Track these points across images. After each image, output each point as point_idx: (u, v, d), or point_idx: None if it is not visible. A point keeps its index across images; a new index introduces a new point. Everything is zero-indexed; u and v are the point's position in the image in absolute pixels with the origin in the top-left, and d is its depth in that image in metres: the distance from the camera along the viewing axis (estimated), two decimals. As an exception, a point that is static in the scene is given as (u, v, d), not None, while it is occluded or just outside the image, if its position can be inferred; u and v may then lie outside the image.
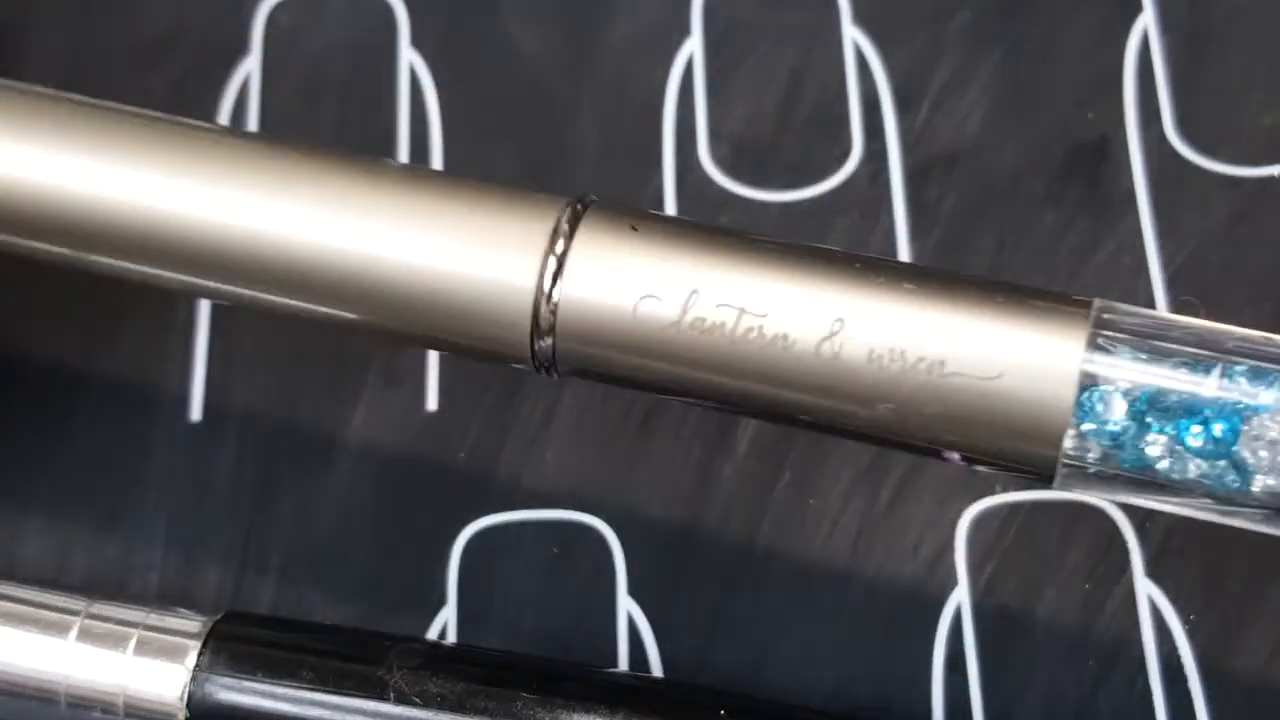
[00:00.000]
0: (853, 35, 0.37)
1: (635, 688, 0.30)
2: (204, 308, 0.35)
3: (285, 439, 0.34)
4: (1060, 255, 0.35)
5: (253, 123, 0.37)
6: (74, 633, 0.29)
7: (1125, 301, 0.34)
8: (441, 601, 0.32)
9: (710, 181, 0.36)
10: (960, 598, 0.32)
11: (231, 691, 0.29)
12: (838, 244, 0.35)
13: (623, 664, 0.32)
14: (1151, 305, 0.34)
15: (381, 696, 0.29)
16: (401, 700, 0.28)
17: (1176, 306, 0.34)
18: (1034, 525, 0.32)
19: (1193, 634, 0.31)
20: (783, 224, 0.36)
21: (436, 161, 0.37)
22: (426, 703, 0.28)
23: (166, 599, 0.32)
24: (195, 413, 0.34)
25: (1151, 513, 0.32)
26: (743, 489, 0.33)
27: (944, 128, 0.36)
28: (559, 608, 0.32)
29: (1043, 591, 0.32)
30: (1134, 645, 0.31)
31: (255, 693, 0.29)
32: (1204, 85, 0.37)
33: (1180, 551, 0.32)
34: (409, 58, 0.38)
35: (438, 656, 0.29)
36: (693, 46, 0.38)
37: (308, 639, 0.30)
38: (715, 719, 0.28)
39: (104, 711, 0.29)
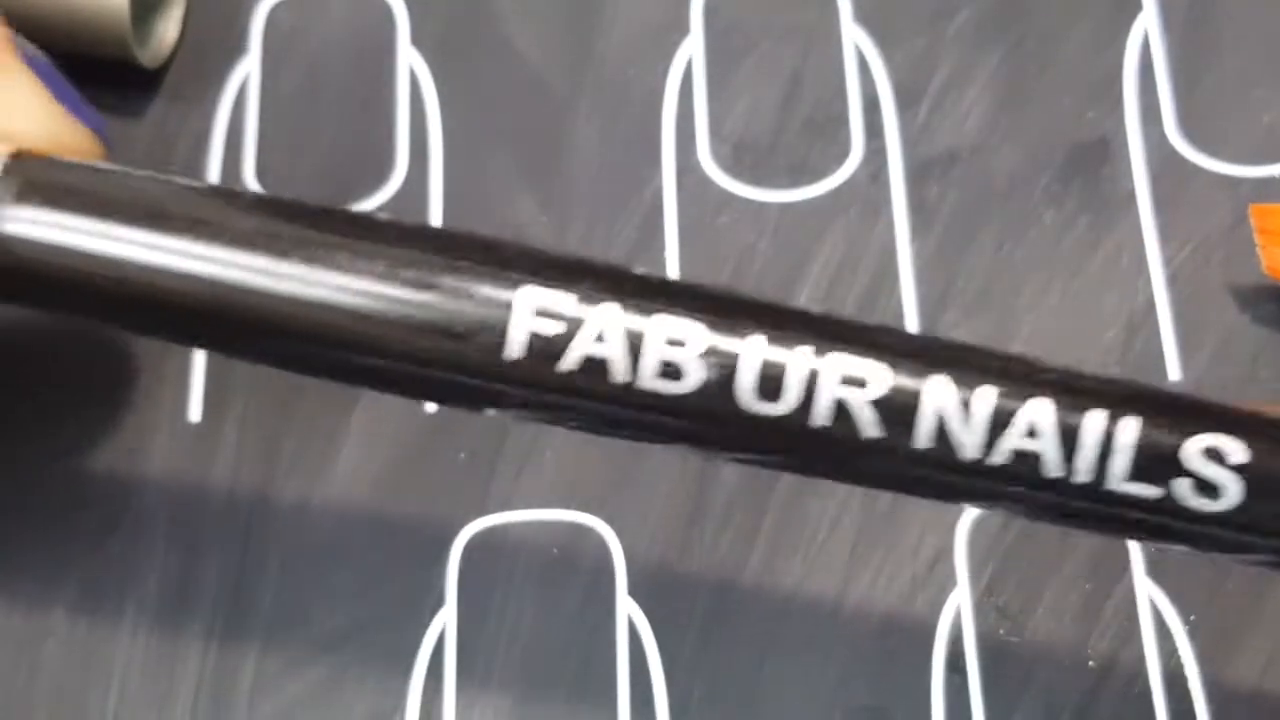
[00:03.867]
0: (853, 35, 0.37)
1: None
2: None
3: (285, 439, 0.34)
4: (1060, 254, 0.35)
5: (252, 122, 0.37)
6: None
7: (1124, 301, 0.34)
8: (441, 601, 0.32)
9: (710, 181, 0.36)
10: (960, 598, 0.32)
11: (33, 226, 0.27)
12: (837, 244, 0.35)
13: (622, 664, 0.32)
14: (1151, 305, 0.34)
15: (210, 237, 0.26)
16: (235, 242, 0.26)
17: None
18: (1034, 526, 0.32)
19: (1193, 634, 0.31)
20: (783, 224, 0.36)
21: (437, 162, 0.37)
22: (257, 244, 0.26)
23: (165, 600, 0.32)
24: (194, 413, 0.34)
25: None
26: (743, 489, 0.33)
27: (944, 127, 0.36)
28: (559, 608, 0.32)
29: (1043, 592, 0.32)
30: (1134, 646, 0.31)
31: (64, 228, 0.27)
32: (1204, 85, 0.37)
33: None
34: (408, 57, 0.38)
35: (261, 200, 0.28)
36: (693, 46, 0.38)
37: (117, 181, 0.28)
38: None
39: None
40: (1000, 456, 0.25)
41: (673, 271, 0.35)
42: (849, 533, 0.33)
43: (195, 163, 0.37)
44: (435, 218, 0.36)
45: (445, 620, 0.32)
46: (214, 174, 0.37)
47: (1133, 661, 0.31)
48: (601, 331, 0.25)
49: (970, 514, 0.33)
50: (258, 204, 0.27)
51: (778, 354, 0.25)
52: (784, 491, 0.33)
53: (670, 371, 0.25)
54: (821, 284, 0.35)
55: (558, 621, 0.32)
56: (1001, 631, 0.32)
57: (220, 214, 0.27)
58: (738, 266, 0.35)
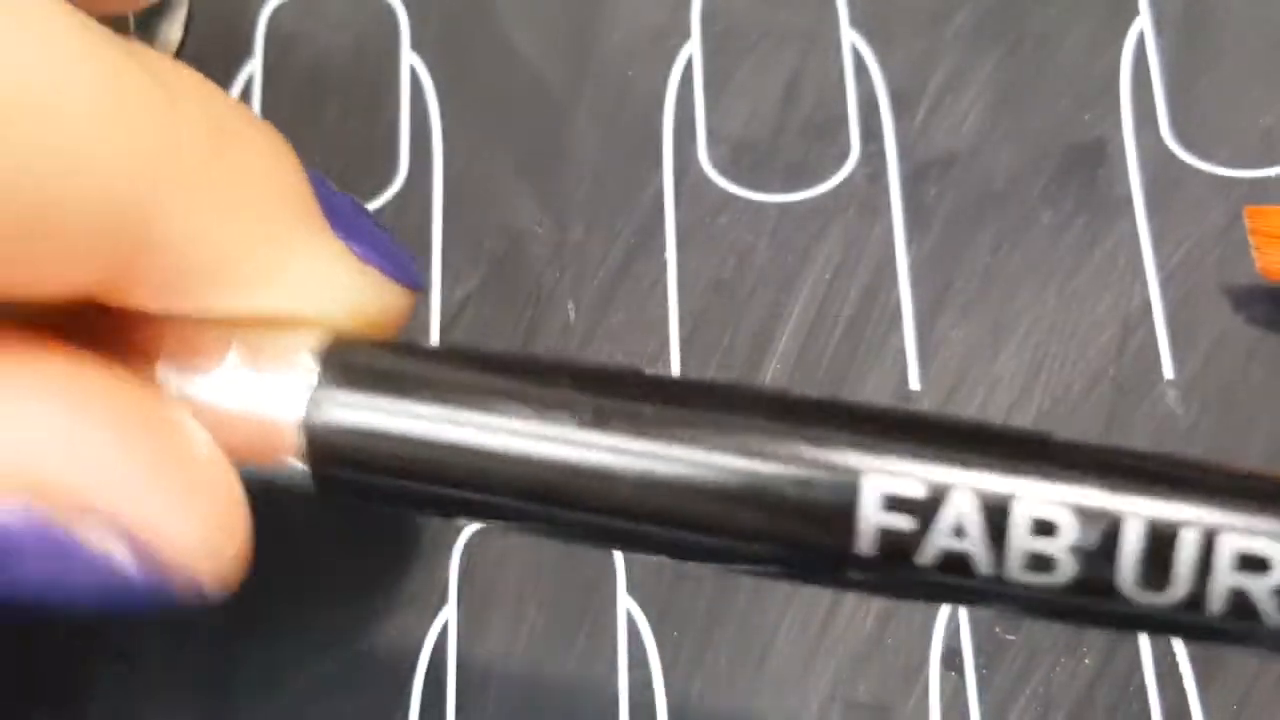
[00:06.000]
0: (851, 38, 0.38)
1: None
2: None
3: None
4: (1057, 256, 0.35)
5: (255, 124, 0.37)
6: None
7: (1120, 302, 0.34)
8: (442, 601, 0.33)
9: (709, 182, 0.36)
10: (957, 596, 0.32)
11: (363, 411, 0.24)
12: (836, 245, 0.35)
13: (622, 663, 0.32)
14: (1146, 306, 0.34)
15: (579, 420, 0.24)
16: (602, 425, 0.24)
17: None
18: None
19: (1188, 632, 0.32)
20: (781, 225, 0.36)
21: (437, 162, 0.37)
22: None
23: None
24: (198, 412, 0.34)
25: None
26: (741, 488, 0.33)
27: (942, 129, 0.37)
28: (559, 607, 0.32)
29: (1039, 590, 0.32)
30: (1129, 644, 0.31)
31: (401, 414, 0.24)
32: (1200, 88, 0.37)
33: (1175, 550, 0.32)
34: (410, 60, 0.38)
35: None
36: (691, 48, 0.38)
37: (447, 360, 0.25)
38: None
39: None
40: None
41: (672, 272, 0.35)
42: (847, 531, 0.33)
43: (198, 164, 0.37)
44: (436, 218, 0.36)
45: (446, 618, 0.32)
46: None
47: (1128, 658, 0.31)
48: (959, 524, 0.23)
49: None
50: (611, 378, 0.25)
51: (1162, 534, 0.22)
52: (782, 490, 0.33)
53: (1040, 565, 0.22)
54: (820, 284, 0.35)
55: (558, 619, 0.32)
56: (998, 629, 0.32)
57: (553, 389, 0.24)
58: (737, 267, 0.35)
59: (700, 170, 0.36)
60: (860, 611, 0.32)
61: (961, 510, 0.23)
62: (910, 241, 0.35)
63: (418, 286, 0.28)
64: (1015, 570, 0.23)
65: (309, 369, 0.25)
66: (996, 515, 0.22)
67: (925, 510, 0.23)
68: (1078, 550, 0.22)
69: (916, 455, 0.23)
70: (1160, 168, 0.36)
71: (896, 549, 0.23)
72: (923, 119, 0.37)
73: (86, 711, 0.32)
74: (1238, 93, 0.37)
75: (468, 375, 0.25)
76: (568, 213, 0.36)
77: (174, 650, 0.32)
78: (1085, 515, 0.22)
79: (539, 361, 0.27)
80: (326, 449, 0.25)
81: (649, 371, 0.26)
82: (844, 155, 0.36)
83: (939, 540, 0.23)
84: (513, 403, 0.24)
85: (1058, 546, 0.22)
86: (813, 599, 0.32)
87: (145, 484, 0.24)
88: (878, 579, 0.24)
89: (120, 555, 0.24)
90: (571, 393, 0.24)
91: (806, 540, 0.23)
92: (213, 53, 0.38)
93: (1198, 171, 0.36)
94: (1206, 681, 0.31)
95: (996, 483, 0.23)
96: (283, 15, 0.39)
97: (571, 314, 0.35)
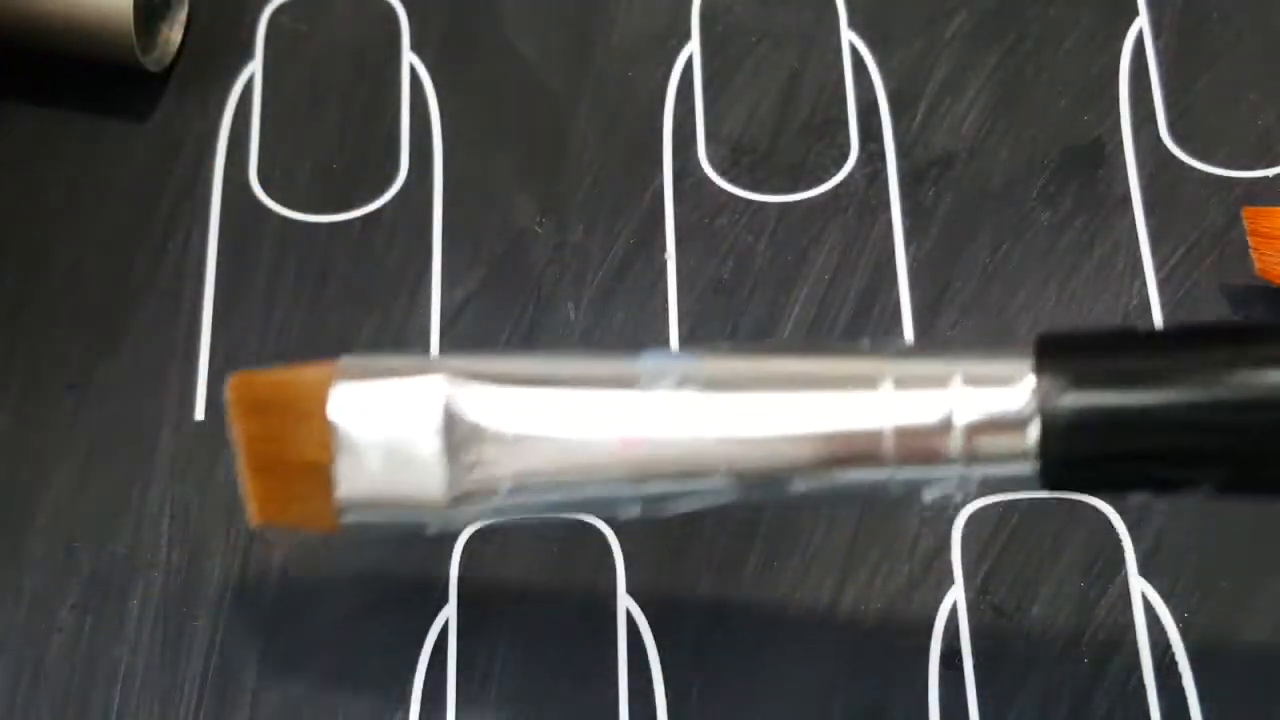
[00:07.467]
0: (850, 38, 0.38)
1: None
2: (207, 307, 0.35)
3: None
4: (1055, 256, 0.35)
5: (256, 126, 0.37)
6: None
7: (1120, 301, 0.35)
8: (443, 600, 0.33)
9: (709, 183, 0.36)
10: (956, 595, 0.32)
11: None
12: (835, 245, 0.35)
13: (622, 662, 0.32)
14: (1145, 305, 0.35)
15: None
16: None
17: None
18: (1029, 523, 0.33)
19: (1186, 631, 0.32)
20: (781, 225, 0.36)
21: (437, 162, 0.37)
22: None
23: (169, 598, 0.33)
24: (199, 411, 0.35)
25: (1146, 511, 0.33)
26: (741, 488, 0.33)
27: (940, 130, 0.37)
28: (559, 607, 0.33)
29: (1038, 589, 0.32)
30: (1128, 642, 0.32)
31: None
32: (1198, 88, 0.37)
33: (1174, 549, 0.32)
34: (410, 60, 0.38)
35: None
36: (691, 49, 0.38)
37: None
38: None
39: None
40: None
41: (672, 272, 0.35)
42: (846, 530, 0.33)
43: (199, 166, 0.37)
44: (436, 218, 0.36)
45: (447, 617, 0.32)
46: (218, 176, 0.37)
47: (1127, 658, 0.31)
48: None
49: (966, 511, 0.33)
50: None
51: None
52: (782, 490, 0.33)
53: None
54: (819, 285, 0.35)
55: (558, 619, 0.32)
56: (997, 628, 0.32)
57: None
58: (737, 267, 0.35)
59: (700, 170, 0.36)
60: (861, 611, 0.32)
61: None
62: (909, 242, 0.36)
63: None
64: None
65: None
66: None
67: None
68: None
69: None
70: (1159, 168, 0.36)
71: None
72: (922, 119, 0.37)
73: (88, 708, 0.32)
74: (1236, 94, 0.37)
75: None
76: (568, 213, 0.36)
77: (175, 650, 0.32)
78: None
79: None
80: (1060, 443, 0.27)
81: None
82: (843, 156, 0.36)
83: None
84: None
85: None
86: (813, 599, 0.32)
87: None
88: None
89: None
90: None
91: None
92: (213, 53, 0.38)
93: (1196, 172, 0.36)
94: (1206, 680, 0.31)
95: None
96: (283, 16, 0.39)
97: (571, 314, 0.35)
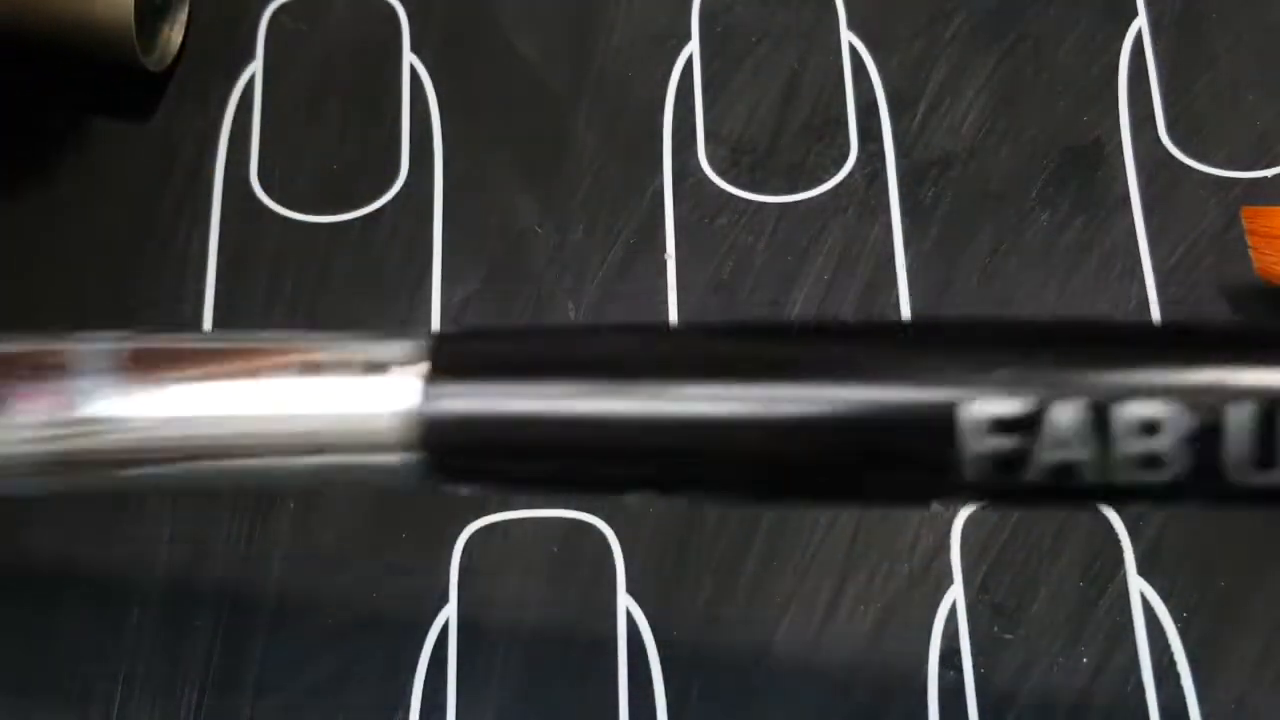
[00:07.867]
0: (849, 39, 0.38)
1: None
2: (208, 307, 0.35)
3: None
4: (1054, 257, 0.35)
5: (256, 126, 0.37)
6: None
7: (1118, 302, 0.35)
8: (443, 600, 0.33)
9: (708, 183, 0.36)
10: (955, 595, 0.32)
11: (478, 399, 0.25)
12: (834, 246, 0.36)
13: (622, 662, 0.32)
14: (1144, 305, 0.35)
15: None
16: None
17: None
18: (1028, 524, 0.33)
19: (1185, 632, 0.32)
20: (781, 225, 0.36)
21: (437, 162, 0.37)
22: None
23: (169, 598, 0.33)
24: (199, 412, 0.35)
25: (1145, 512, 0.33)
26: (741, 488, 0.33)
27: (940, 130, 0.37)
28: (559, 606, 0.33)
29: (1037, 589, 0.32)
30: (1127, 642, 0.32)
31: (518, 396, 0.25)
32: (1196, 89, 0.37)
33: (1173, 550, 0.32)
34: (410, 61, 0.38)
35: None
36: (691, 49, 0.38)
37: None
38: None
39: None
40: None
41: (672, 272, 0.35)
42: (846, 530, 0.33)
43: (200, 166, 0.37)
44: (437, 219, 0.36)
45: (447, 617, 0.32)
46: (218, 176, 0.37)
47: (1126, 658, 0.31)
48: (1063, 436, 0.23)
49: (966, 511, 0.33)
50: (708, 334, 0.26)
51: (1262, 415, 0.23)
52: (782, 490, 0.33)
53: (1149, 462, 0.23)
54: (819, 285, 0.35)
55: (558, 618, 0.32)
56: (996, 629, 0.32)
57: (655, 349, 0.26)
58: (737, 267, 0.35)
59: (700, 170, 0.37)
60: (860, 611, 0.32)
61: (1065, 424, 0.23)
62: (909, 242, 0.36)
63: None
64: (1124, 474, 0.23)
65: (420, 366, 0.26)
66: (1099, 422, 0.23)
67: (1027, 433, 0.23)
68: (1185, 442, 0.23)
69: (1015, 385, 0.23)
70: (1157, 168, 0.36)
71: (1005, 467, 0.23)
72: (921, 120, 0.37)
73: (87, 711, 0.32)
74: (1235, 94, 0.37)
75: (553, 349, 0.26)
76: (568, 213, 0.36)
77: (175, 650, 0.32)
78: (1190, 409, 0.23)
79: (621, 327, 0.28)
80: (441, 438, 0.25)
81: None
82: (843, 156, 0.37)
83: (1045, 456, 0.23)
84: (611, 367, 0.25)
85: (1163, 443, 0.23)
86: (813, 599, 0.32)
87: None
88: (987, 496, 0.24)
89: None
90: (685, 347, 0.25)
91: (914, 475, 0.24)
92: (213, 54, 0.38)
93: (1195, 172, 0.36)
94: (1205, 680, 0.31)
95: (1099, 394, 0.23)
96: (284, 17, 0.39)
97: (571, 314, 0.35)
